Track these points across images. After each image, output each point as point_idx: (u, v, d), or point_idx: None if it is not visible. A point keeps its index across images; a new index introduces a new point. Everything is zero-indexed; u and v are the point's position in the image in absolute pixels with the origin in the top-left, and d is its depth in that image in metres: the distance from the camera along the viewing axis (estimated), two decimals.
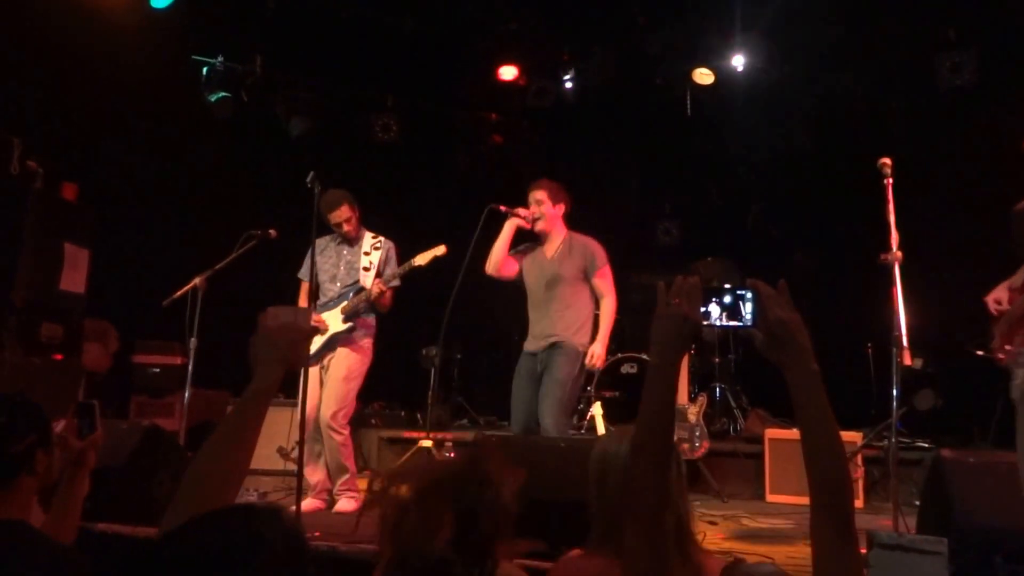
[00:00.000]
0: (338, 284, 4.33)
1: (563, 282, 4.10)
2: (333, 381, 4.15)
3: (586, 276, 4.12)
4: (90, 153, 5.59)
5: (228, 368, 5.91)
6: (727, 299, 1.53)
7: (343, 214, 4.24)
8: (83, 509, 2.13)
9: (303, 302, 4.36)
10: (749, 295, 1.49)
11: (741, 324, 1.53)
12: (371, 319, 4.32)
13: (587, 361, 4.00)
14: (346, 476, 4.17)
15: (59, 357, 4.58)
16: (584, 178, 7.19)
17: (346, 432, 4.16)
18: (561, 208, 4.18)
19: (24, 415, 1.85)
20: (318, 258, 4.29)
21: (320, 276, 4.32)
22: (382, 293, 4.20)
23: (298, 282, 4.44)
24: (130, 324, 5.62)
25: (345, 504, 4.10)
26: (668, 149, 7.14)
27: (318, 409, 4.12)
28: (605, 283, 4.13)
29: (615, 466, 1.72)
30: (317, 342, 4.20)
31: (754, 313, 1.46)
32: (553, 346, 4.03)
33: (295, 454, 4.71)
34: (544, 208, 4.12)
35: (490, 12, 6.44)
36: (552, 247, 4.17)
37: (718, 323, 1.52)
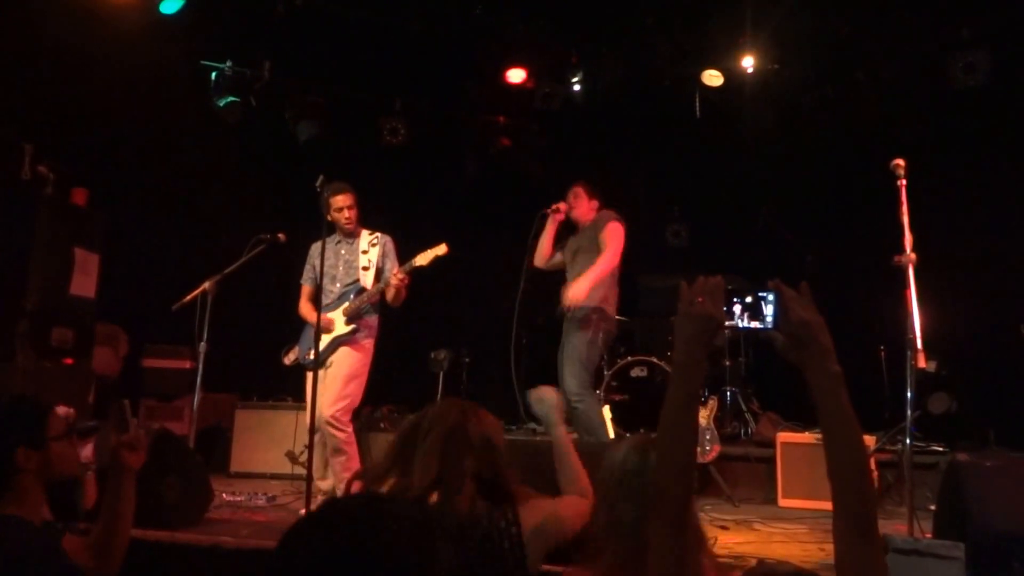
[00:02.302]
0: (338, 284, 4.31)
1: (583, 252, 4.60)
2: (333, 379, 4.11)
3: (594, 241, 4.55)
4: (100, 158, 5.61)
5: (237, 372, 5.95)
6: (748, 300, 1.54)
7: (346, 200, 4.26)
8: (99, 512, 2.08)
9: (304, 306, 4.36)
10: (770, 297, 1.50)
11: (762, 326, 1.54)
12: (373, 319, 4.30)
13: (563, 302, 4.39)
14: (350, 476, 4.11)
15: (70, 361, 4.59)
16: (592, 180, 7.18)
17: (349, 430, 4.11)
18: (596, 203, 4.76)
19: (1, 415, 1.85)
20: (317, 261, 4.23)
21: (323, 278, 4.25)
22: (398, 292, 4.16)
23: (299, 287, 4.45)
24: (140, 328, 5.64)
25: None
26: (677, 151, 7.11)
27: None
28: (607, 236, 4.51)
29: (628, 474, 1.72)
30: (323, 343, 4.15)
31: (775, 315, 1.47)
32: (573, 313, 4.47)
33: (303, 458, 4.70)
34: (580, 200, 4.74)
35: (498, 15, 6.44)
36: (582, 230, 4.74)
37: (740, 324, 1.54)
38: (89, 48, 5.35)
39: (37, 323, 4.33)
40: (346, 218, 4.28)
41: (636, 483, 1.67)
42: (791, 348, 1.37)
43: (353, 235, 4.35)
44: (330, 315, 4.21)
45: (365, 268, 4.27)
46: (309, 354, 4.09)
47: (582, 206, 4.71)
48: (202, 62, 6.21)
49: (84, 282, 4.66)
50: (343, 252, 4.36)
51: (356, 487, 1.93)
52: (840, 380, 1.32)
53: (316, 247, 4.34)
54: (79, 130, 5.46)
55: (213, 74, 6.20)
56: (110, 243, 4.76)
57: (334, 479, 4.17)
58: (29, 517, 1.87)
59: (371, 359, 4.27)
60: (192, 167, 6.24)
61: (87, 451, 3.34)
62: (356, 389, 4.17)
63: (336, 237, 4.37)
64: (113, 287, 4.92)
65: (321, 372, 4.12)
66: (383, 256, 4.29)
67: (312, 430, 3.74)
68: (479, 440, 1.83)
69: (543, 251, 4.77)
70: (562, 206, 4.71)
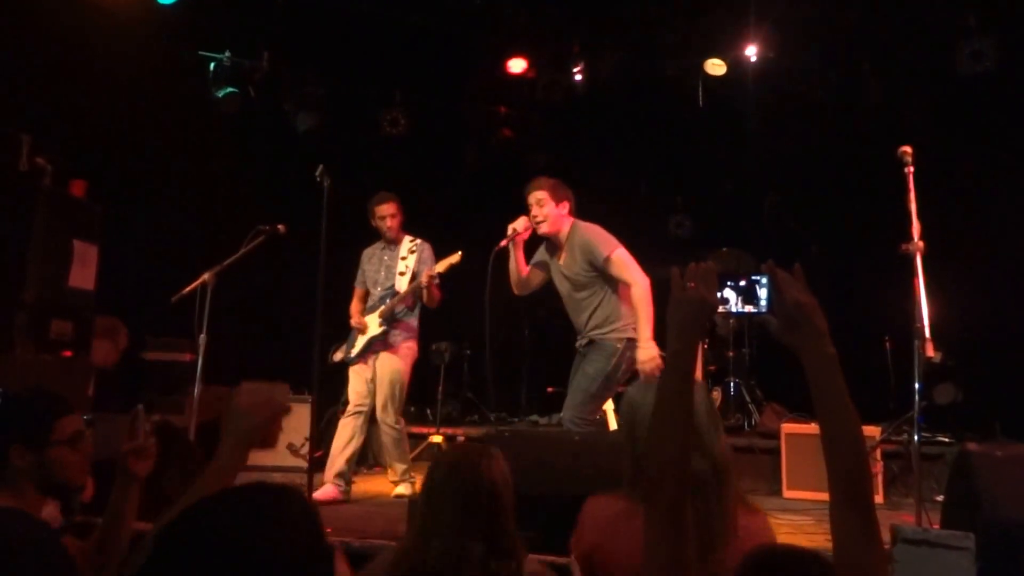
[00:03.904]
0: (379, 288, 4.61)
1: (579, 287, 3.91)
2: (380, 384, 4.47)
3: (597, 271, 3.85)
4: (98, 149, 5.57)
5: (238, 364, 5.92)
6: (742, 284, 1.53)
7: (389, 209, 4.58)
8: (106, 508, 2.06)
9: (355, 307, 4.67)
10: (764, 280, 1.48)
11: (756, 310, 1.54)
12: (411, 321, 4.59)
13: (640, 369, 3.64)
14: (405, 465, 4.51)
15: (69, 354, 4.55)
16: (595, 171, 7.12)
17: (400, 425, 4.50)
18: (565, 206, 3.90)
19: (2, 411, 1.83)
20: (366, 266, 4.70)
21: (367, 283, 4.69)
22: (430, 284, 4.40)
23: (352, 290, 4.77)
24: (140, 321, 5.60)
25: (404, 489, 4.44)
26: (680, 141, 7.06)
27: (366, 403, 4.49)
28: (620, 268, 3.78)
29: (643, 415, 1.74)
30: (359, 343, 4.56)
31: (769, 298, 1.45)
32: (590, 343, 3.87)
33: (304, 450, 4.74)
34: (546, 210, 3.84)
35: (499, 4, 6.38)
36: (562, 251, 3.95)
37: (735, 309, 1.54)
38: (87, 39, 5.31)
39: (35, 315, 4.29)
40: (388, 226, 4.58)
41: None
42: (786, 330, 1.36)
43: (395, 242, 4.64)
44: (369, 317, 4.56)
45: (402, 273, 4.55)
46: (351, 351, 4.55)
47: (550, 215, 3.83)
48: (200, 52, 6.16)
49: (83, 274, 4.62)
50: (385, 258, 4.66)
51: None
52: (835, 362, 1.31)
53: (366, 253, 4.75)
54: (77, 121, 5.42)
55: (211, 64, 6.16)
56: (109, 234, 4.72)
57: (345, 466, 4.44)
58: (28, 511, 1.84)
59: (414, 357, 4.60)
60: (191, 158, 6.20)
61: None
62: (401, 389, 4.52)
63: (381, 244, 4.70)
64: (112, 279, 4.88)
65: (363, 370, 4.55)
66: (420, 262, 4.54)
67: (314, 422, 4.02)
68: (488, 497, 1.76)
69: (517, 278, 4.04)
70: (520, 225, 3.88)
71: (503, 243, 3.90)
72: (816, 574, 1.17)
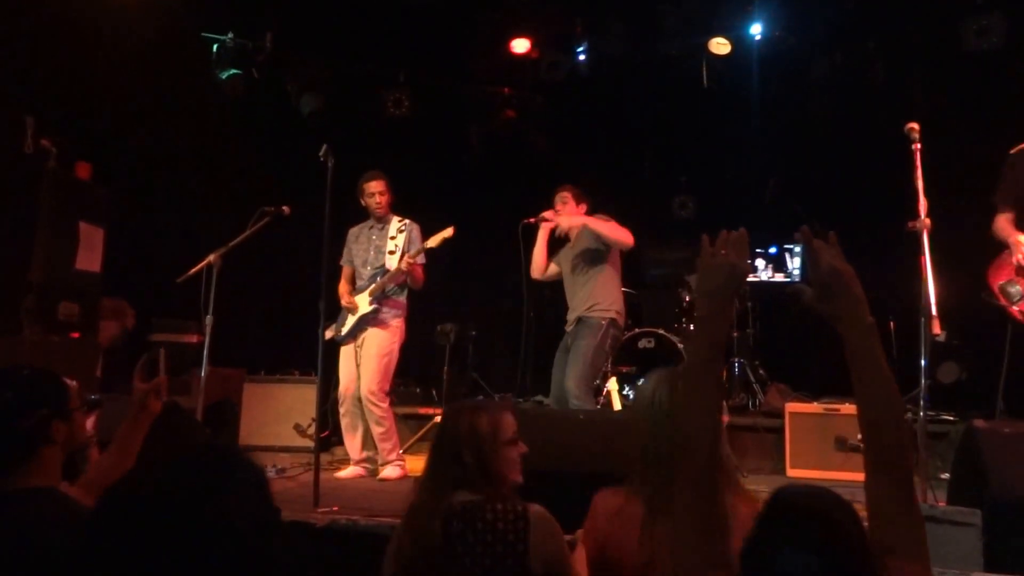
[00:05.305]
0: (369, 268, 4.61)
1: (581, 258, 4.51)
2: (367, 359, 4.47)
3: (597, 240, 4.42)
4: (103, 132, 5.56)
5: (244, 346, 5.94)
6: (772, 251, 1.53)
7: (378, 187, 4.59)
8: (114, 439, 2.22)
9: (344, 287, 4.66)
10: (796, 249, 1.48)
11: (788, 279, 1.53)
12: (401, 299, 4.60)
13: (546, 215, 4.48)
14: (390, 445, 4.45)
15: (76, 335, 4.58)
16: (598, 152, 7.10)
17: (385, 404, 4.46)
18: (584, 207, 4.56)
19: (34, 388, 1.84)
20: (353, 245, 4.70)
21: (355, 261, 4.69)
22: (410, 269, 4.43)
23: (340, 269, 4.73)
24: (146, 302, 5.62)
25: (391, 472, 4.39)
26: (684, 121, 7.01)
27: (356, 384, 4.49)
28: (610, 223, 4.42)
29: (659, 407, 1.80)
30: (349, 322, 4.54)
31: (802, 267, 1.45)
32: (579, 321, 4.45)
33: (311, 431, 4.78)
34: (568, 207, 4.53)
35: None
36: (572, 237, 4.60)
37: (765, 277, 1.53)
38: (90, 20, 5.28)
39: (43, 297, 4.31)
40: (377, 203, 4.60)
41: (668, 421, 1.71)
42: (821, 299, 1.33)
43: (384, 220, 4.65)
44: (359, 296, 4.55)
45: (392, 252, 4.55)
46: (342, 330, 4.55)
47: (571, 212, 4.54)
48: (203, 34, 6.13)
49: (89, 256, 4.63)
50: (374, 237, 4.66)
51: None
52: (874, 331, 1.29)
53: (352, 232, 4.74)
54: (82, 103, 5.40)
55: (215, 46, 6.12)
56: (114, 216, 4.72)
57: (361, 446, 4.53)
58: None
59: (402, 337, 4.60)
60: (195, 140, 6.18)
61: (90, 424, 3.35)
62: (388, 366, 4.52)
63: (370, 222, 4.69)
64: (118, 261, 4.90)
65: (355, 349, 4.55)
66: (409, 241, 4.56)
67: (320, 402, 4.10)
68: (468, 432, 1.92)
69: (538, 262, 4.68)
70: (549, 215, 4.56)
71: (531, 220, 4.54)
72: (840, 513, 1.12)
